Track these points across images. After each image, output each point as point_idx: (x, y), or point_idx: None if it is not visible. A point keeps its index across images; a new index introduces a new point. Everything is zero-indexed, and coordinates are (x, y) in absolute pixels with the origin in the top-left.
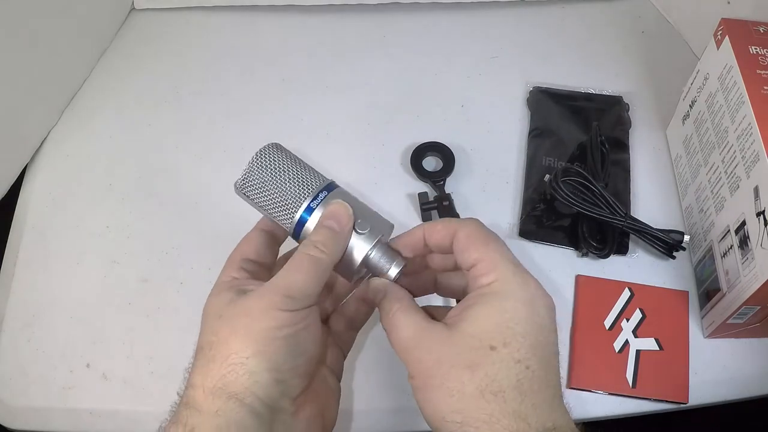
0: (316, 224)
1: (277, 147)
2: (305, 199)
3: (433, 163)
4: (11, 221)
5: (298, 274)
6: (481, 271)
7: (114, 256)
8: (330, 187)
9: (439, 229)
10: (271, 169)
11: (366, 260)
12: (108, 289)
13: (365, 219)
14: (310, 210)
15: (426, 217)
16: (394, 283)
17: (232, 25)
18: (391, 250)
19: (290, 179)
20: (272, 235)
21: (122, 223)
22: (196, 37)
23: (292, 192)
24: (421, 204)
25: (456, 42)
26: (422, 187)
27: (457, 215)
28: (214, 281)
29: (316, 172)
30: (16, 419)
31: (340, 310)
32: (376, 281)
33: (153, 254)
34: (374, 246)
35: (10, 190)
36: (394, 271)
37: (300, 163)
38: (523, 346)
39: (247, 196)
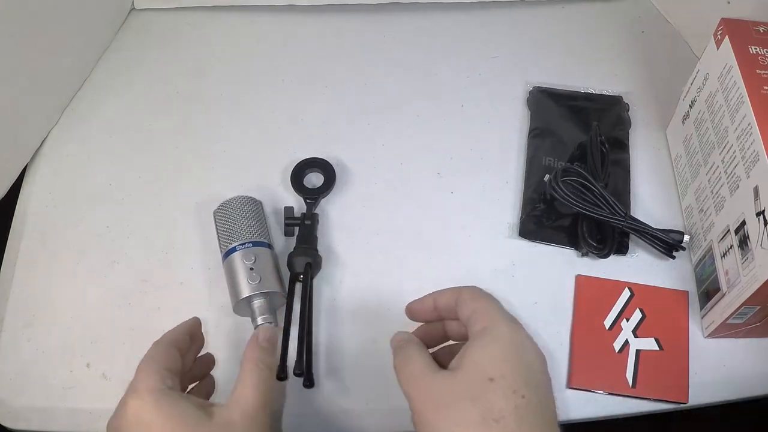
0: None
1: (254, 202)
2: (243, 239)
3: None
4: (11, 221)
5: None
6: (478, 317)
7: (114, 256)
8: (262, 244)
9: (446, 293)
10: (240, 210)
11: (249, 301)
12: (108, 289)
13: (265, 275)
14: (241, 246)
15: (288, 232)
16: (411, 333)
17: (232, 25)
18: (270, 307)
19: (244, 223)
20: (179, 347)
21: (122, 223)
22: (196, 37)
23: (239, 231)
24: (285, 218)
25: (456, 42)
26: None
27: (315, 237)
28: (214, 282)
29: (265, 230)
30: (16, 419)
31: None
32: (400, 335)
33: (153, 254)
34: (259, 295)
35: (10, 190)
36: (260, 320)
37: (259, 219)
38: (517, 378)
39: (216, 219)
